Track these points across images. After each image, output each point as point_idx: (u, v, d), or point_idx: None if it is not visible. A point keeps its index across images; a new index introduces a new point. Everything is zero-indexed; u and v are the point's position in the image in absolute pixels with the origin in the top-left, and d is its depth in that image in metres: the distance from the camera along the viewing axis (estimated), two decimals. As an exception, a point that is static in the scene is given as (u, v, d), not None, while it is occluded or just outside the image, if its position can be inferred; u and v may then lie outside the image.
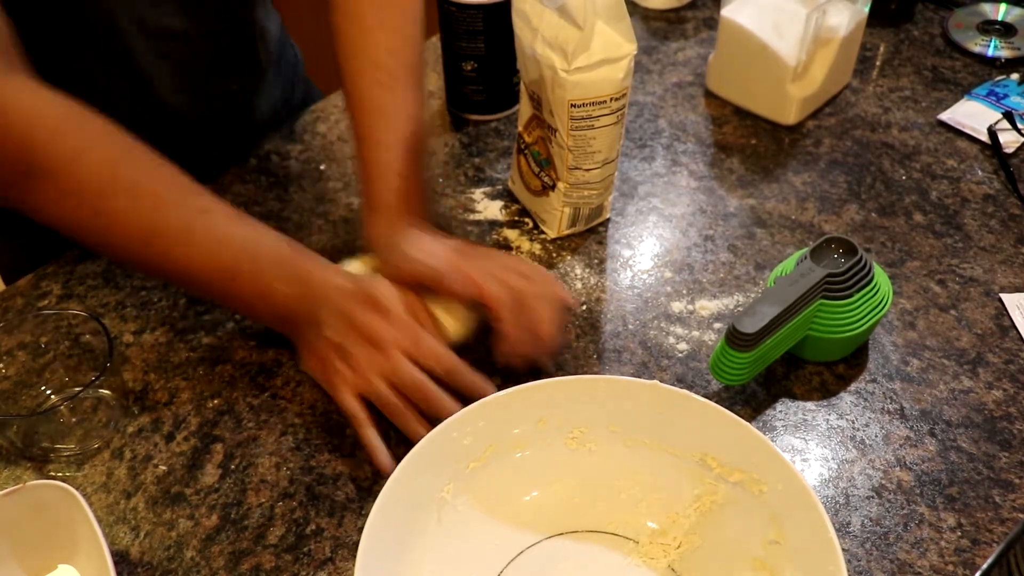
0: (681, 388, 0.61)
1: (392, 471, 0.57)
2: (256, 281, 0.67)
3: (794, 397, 0.71)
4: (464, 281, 0.68)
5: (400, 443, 0.68)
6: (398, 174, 0.73)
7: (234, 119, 0.92)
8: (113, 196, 0.63)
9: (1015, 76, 1.00)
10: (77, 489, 0.57)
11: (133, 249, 0.66)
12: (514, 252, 0.83)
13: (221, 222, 0.67)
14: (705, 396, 0.63)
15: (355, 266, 0.75)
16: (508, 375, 0.72)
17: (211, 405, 0.71)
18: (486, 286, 0.68)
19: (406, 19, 0.78)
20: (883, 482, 0.65)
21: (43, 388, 0.71)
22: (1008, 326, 0.75)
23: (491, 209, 0.87)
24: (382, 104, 0.74)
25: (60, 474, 0.67)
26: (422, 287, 0.70)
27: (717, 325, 0.76)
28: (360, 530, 0.55)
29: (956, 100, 0.97)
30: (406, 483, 0.57)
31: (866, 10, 0.94)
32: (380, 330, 0.66)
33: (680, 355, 0.74)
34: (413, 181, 0.74)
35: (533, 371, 0.71)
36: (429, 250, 0.70)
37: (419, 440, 0.59)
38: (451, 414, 0.60)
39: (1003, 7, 1.08)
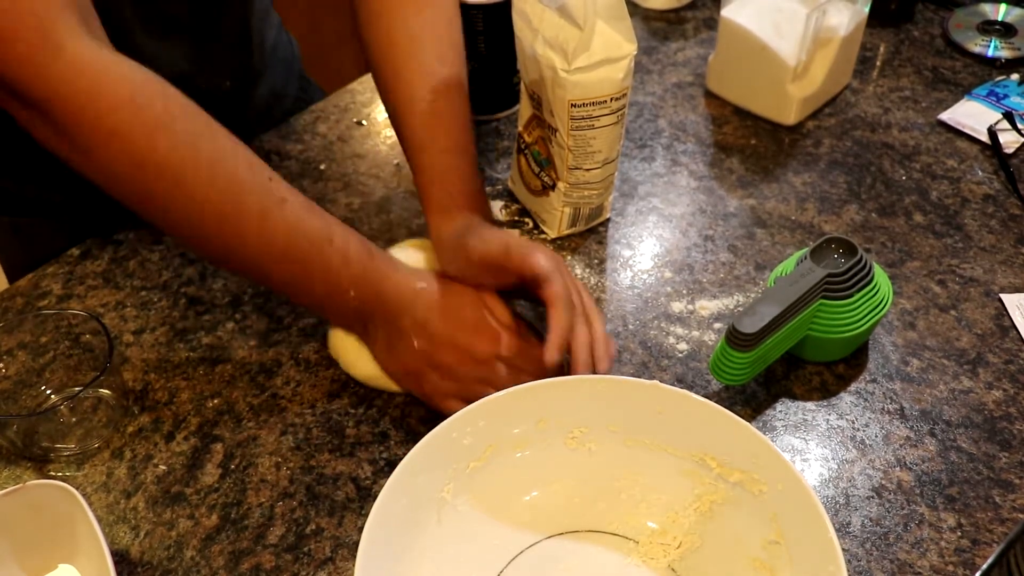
0: (681, 388, 0.61)
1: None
2: (326, 279, 0.66)
3: (794, 397, 0.71)
4: (528, 256, 0.66)
5: (400, 443, 0.68)
6: (461, 178, 0.73)
7: (225, 112, 0.92)
8: (194, 170, 0.62)
9: (1015, 76, 1.00)
10: (77, 489, 0.57)
11: (206, 229, 0.64)
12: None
13: (295, 213, 0.65)
14: (705, 396, 0.63)
15: (405, 253, 0.76)
16: (508, 375, 0.72)
17: (211, 405, 0.71)
18: (550, 273, 0.66)
19: (451, 26, 0.77)
20: (883, 482, 0.65)
21: (43, 388, 0.71)
22: (1008, 326, 0.75)
23: (491, 209, 0.87)
24: (439, 110, 0.74)
25: (60, 474, 0.67)
26: (489, 271, 0.69)
27: (717, 325, 0.76)
28: (360, 530, 0.55)
29: (956, 100, 0.97)
30: (406, 483, 0.57)
31: (866, 10, 0.94)
32: (471, 339, 0.66)
33: (680, 355, 0.74)
34: (473, 184, 0.74)
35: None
36: (497, 233, 0.70)
37: None
38: None
39: (1003, 7, 1.08)
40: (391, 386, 0.71)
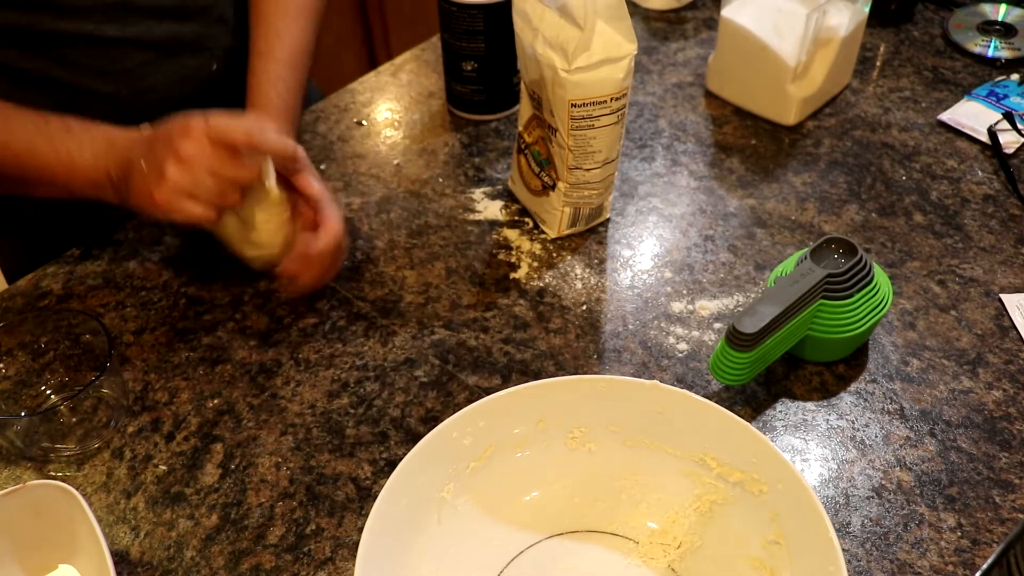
0: (681, 388, 0.61)
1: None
2: (56, 153, 0.71)
3: (794, 397, 0.71)
4: (286, 144, 0.71)
5: (400, 443, 0.68)
6: (284, 84, 0.82)
7: (219, 102, 0.92)
8: None
9: (1015, 76, 1.00)
10: (77, 489, 0.57)
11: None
12: (514, 252, 0.83)
13: (8, 112, 0.72)
14: (705, 396, 0.63)
15: None
16: (508, 375, 0.72)
17: (211, 405, 0.71)
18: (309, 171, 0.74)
19: None
20: (883, 482, 0.65)
21: (43, 388, 0.71)
22: (1008, 326, 0.75)
23: (491, 209, 0.87)
24: (278, 27, 0.84)
25: (60, 474, 0.67)
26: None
27: (717, 325, 0.76)
28: (360, 530, 0.55)
29: (956, 100, 0.97)
30: (406, 483, 0.57)
31: (866, 10, 0.94)
32: (182, 142, 0.67)
33: (680, 355, 0.74)
34: (293, 96, 0.82)
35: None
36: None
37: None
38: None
39: (1003, 7, 1.08)
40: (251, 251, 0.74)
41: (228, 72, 0.91)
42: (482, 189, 0.89)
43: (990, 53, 1.03)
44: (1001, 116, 0.93)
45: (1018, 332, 0.75)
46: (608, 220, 0.86)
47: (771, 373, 0.72)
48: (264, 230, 0.72)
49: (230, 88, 0.91)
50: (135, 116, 0.87)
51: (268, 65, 0.83)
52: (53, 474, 0.67)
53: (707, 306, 0.78)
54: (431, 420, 0.69)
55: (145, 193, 0.69)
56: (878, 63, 1.03)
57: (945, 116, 0.95)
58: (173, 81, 0.86)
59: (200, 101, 0.90)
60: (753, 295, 0.78)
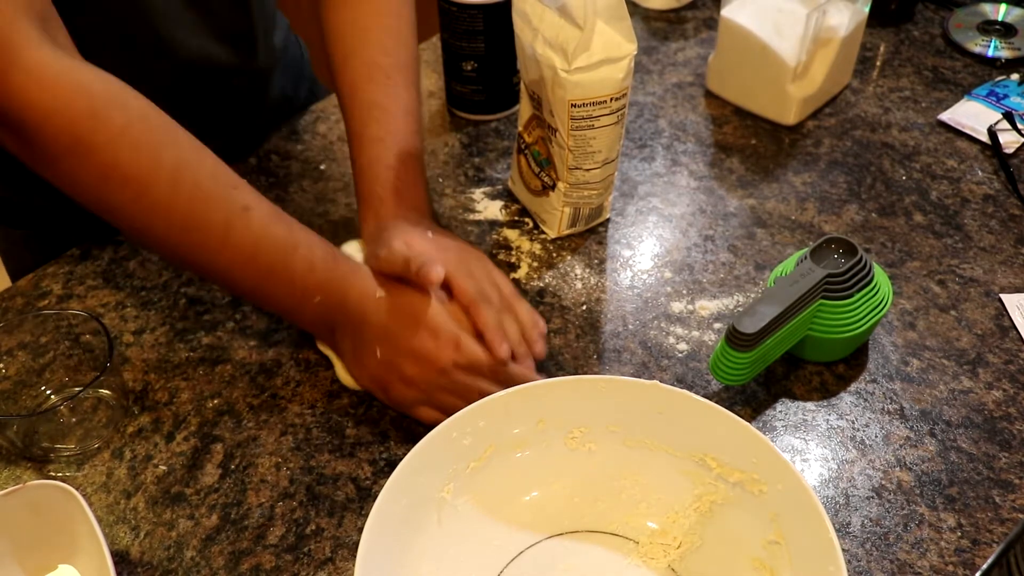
0: (681, 388, 0.61)
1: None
2: (291, 287, 0.66)
3: (794, 397, 0.71)
4: (425, 268, 0.66)
5: (400, 443, 0.68)
6: (388, 167, 0.73)
7: (240, 112, 0.92)
8: (155, 182, 0.62)
9: (1015, 76, 1.00)
10: (77, 489, 0.57)
11: (171, 239, 0.64)
12: (514, 252, 0.83)
13: (260, 221, 0.65)
14: (705, 396, 0.63)
15: (352, 247, 0.77)
16: (508, 375, 0.72)
17: (211, 405, 0.71)
18: (456, 277, 0.68)
19: (401, 21, 0.79)
20: (883, 482, 0.65)
21: (43, 388, 0.71)
22: (1008, 326, 0.75)
23: (491, 209, 0.87)
24: (375, 100, 0.75)
25: (60, 474, 0.67)
26: (398, 278, 0.69)
27: (717, 325, 0.76)
28: (360, 530, 0.55)
29: (956, 100, 0.97)
30: (406, 483, 0.57)
31: (866, 10, 0.94)
32: (428, 347, 0.66)
33: (680, 355, 0.74)
34: (405, 175, 0.74)
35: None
36: (409, 241, 0.70)
37: None
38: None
39: (1003, 7, 1.08)
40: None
41: (250, 86, 0.90)
42: (482, 189, 0.89)
43: (990, 53, 1.03)
44: (1001, 116, 0.93)
45: (1018, 332, 0.75)
46: (608, 220, 0.86)
47: (771, 373, 0.72)
48: None
49: (255, 104, 0.91)
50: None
51: (379, 153, 0.74)
52: (53, 474, 0.67)
53: (707, 306, 0.78)
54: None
55: (376, 383, 0.68)
56: (878, 63, 1.03)
57: (945, 116, 0.95)
58: (205, 95, 0.85)
59: (220, 109, 0.89)
60: (753, 295, 0.78)
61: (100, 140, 0.60)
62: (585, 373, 0.72)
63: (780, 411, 0.70)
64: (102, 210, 0.63)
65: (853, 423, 0.69)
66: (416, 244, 0.70)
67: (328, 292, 0.67)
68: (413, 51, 0.79)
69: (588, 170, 0.78)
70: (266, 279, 0.66)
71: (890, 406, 0.70)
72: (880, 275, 0.71)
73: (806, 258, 0.68)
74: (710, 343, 0.75)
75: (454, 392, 0.66)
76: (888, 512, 0.63)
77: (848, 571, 0.53)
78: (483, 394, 0.62)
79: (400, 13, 0.79)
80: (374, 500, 0.55)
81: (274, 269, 0.65)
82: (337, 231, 0.84)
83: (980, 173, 0.89)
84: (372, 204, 0.74)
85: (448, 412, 0.62)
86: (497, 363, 0.66)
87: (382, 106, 0.75)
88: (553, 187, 0.80)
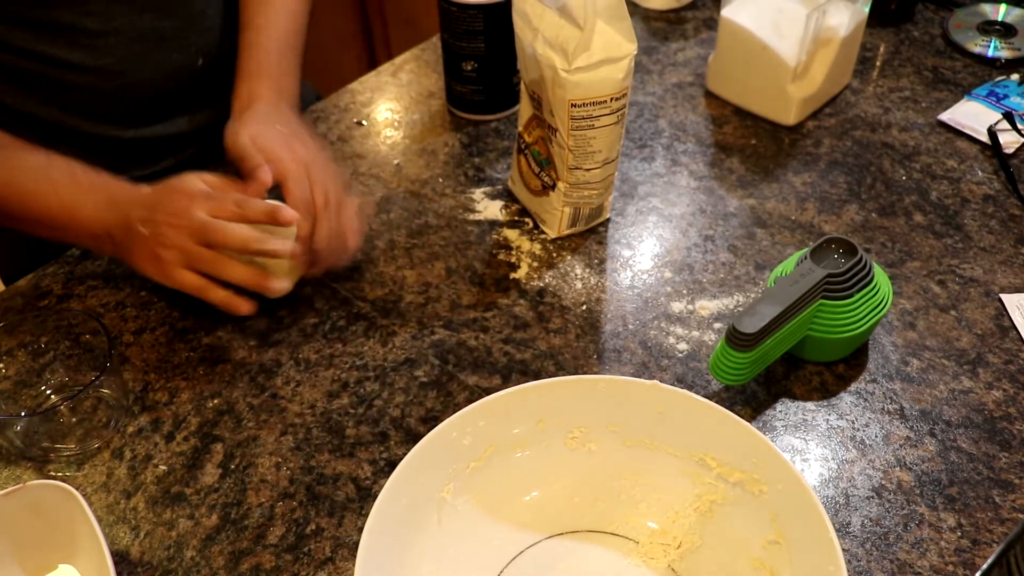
0: (681, 388, 0.61)
1: (252, 310, 0.72)
2: (59, 201, 0.72)
3: (794, 397, 0.71)
4: (262, 171, 0.73)
5: (400, 443, 0.68)
6: (265, 52, 0.83)
7: (207, 96, 0.93)
8: None
9: (1015, 76, 1.00)
10: (77, 489, 0.57)
11: None
12: (514, 252, 0.83)
13: (16, 154, 0.73)
14: (705, 396, 0.63)
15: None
16: (508, 375, 0.72)
17: (211, 405, 0.71)
18: (288, 182, 0.73)
19: None
20: (883, 482, 0.65)
21: (43, 388, 0.71)
22: (1008, 326, 0.75)
23: (491, 209, 0.87)
24: (271, 9, 0.85)
25: (60, 474, 0.67)
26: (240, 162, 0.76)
27: (717, 325, 0.76)
28: (360, 530, 0.55)
29: (956, 100, 0.97)
30: (406, 483, 0.57)
31: (866, 10, 0.94)
32: (181, 204, 0.70)
33: (680, 355, 0.74)
34: (279, 61, 0.83)
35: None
36: (256, 135, 0.76)
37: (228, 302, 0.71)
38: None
39: (1003, 7, 1.08)
40: None
41: (214, 69, 0.91)
42: (482, 189, 0.89)
43: (990, 53, 1.03)
44: (1001, 116, 0.93)
45: (1018, 332, 0.75)
46: (608, 220, 0.86)
47: (771, 373, 0.72)
48: (277, 265, 0.73)
49: (216, 85, 0.91)
50: (122, 112, 0.88)
51: (259, 38, 0.84)
52: (53, 474, 0.67)
53: (707, 306, 0.78)
54: (431, 420, 0.69)
55: (143, 258, 0.71)
56: (878, 63, 1.03)
57: (945, 116, 0.95)
58: (157, 76, 0.87)
59: (185, 97, 0.91)
60: (753, 295, 0.78)
61: None
62: (585, 373, 0.72)
63: (780, 411, 0.70)
64: None
65: (853, 423, 0.69)
66: (262, 138, 0.75)
67: (96, 195, 0.72)
68: None
69: (588, 170, 0.78)
70: (33, 201, 0.73)
71: (890, 406, 0.70)
72: (880, 275, 0.71)
73: (806, 258, 0.68)
74: (710, 343, 0.75)
75: (204, 239, 0.69)
76: (888, 512, 0.63)
77: (848, 571, 0.53)
78: (239, 235, 0.69)
79: None
80: (374, 500, 0.55)
81: (39, 189, 0.72)
82: (337, 231, 0.85)
83: (980, 173, 0.89)
84: (244, 80, 0.82)
85: (201, 262, 0.69)
86: (243, 201, 0.70)
87: (274, 3, 0.86)
88: (553, 187, 0.80)
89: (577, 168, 0.77)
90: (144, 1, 0.82)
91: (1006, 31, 1.05)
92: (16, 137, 0.75)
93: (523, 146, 0.83)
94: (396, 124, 0.97)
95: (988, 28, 1.05)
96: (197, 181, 0.72)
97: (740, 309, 0.77)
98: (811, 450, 0.67)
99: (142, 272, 0.73)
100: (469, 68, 0.92)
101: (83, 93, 0.83)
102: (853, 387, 0.71)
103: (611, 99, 0.73)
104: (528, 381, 0.62)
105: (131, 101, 0.86)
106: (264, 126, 0.77)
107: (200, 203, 0.70)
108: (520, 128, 0.82)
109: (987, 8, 1.08)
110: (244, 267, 0.71)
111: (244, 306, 0.72)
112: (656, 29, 1.09)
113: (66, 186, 0.73)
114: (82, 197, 0.72)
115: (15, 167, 0.73)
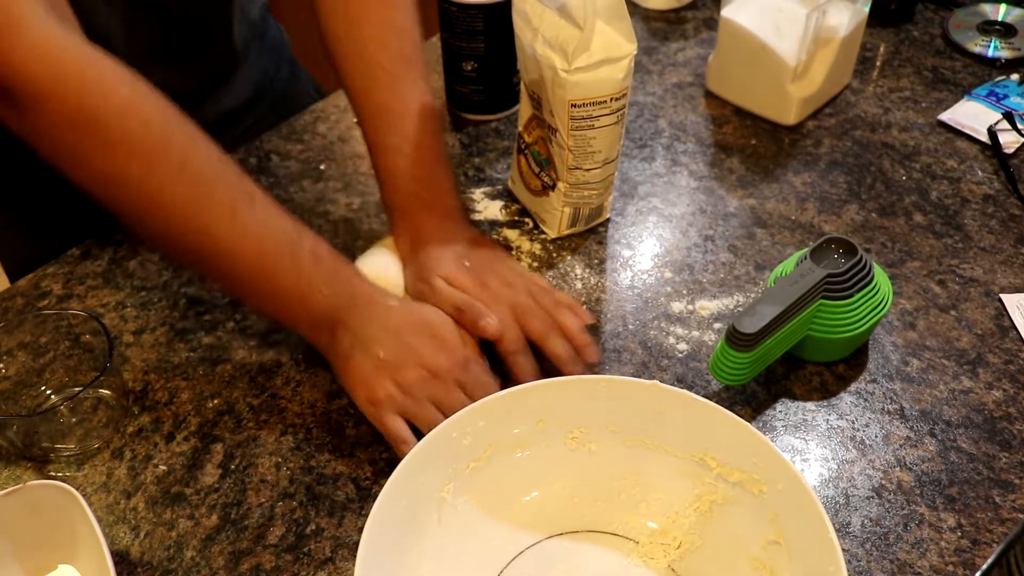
0: (681, 388, 0.61)
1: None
2: (298, 278, 0.64)
3: (794, 397, 0.71)
4: (478, 320, 0.68)
5: (400, 443, 0.68)
6: (411, 179, 0.73)
7: (205, 99, 0.91)
8: (165, 157, 0.60)
9: (1015, 76, 0.99)
10: (77, 489, 0.57)
11: (175, 220, 0.62)
12: (514, 252, 0.83)
13: (266, 209, 0.64)
14: (705, 396, 0.63)
15: (378, 254, 0.76)
16: (507, 376, 0.72)
17: (211, 405, 0.71)
18: (504, 333, 0.68)
19: (396, 11, 0.75)
20: (883, 482, 0.65)
21: (43, 388, 0.71)
22: (1008, 326, 0.75)
23: (491, 209, 0.87)
24: (384, 104, 0.73)
25: (60, 474, 0.67)
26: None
27: (717, 325, 0.76)
28: (360, 530, 0.55)
29: (956, 100, 0.97)
30: (406, 483, 0.57)
31: (866, 10, 0.94)
32: (438, 358, 0.66)
33: (680, 355, 0.74)
34: (429, 183, 0.74)
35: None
36: (449, 277, 0.70)
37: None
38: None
39: (1003, 7, 1.08)
40: None
41: (216, 70, 0.90)
42: (482, 189, 0.89)
43: (990, 53, 1.03)
44: (1001, 116, 0.93)
45: (1018, 332, 0.75)
46: (608, 220, 0.86)
47: (771, 373, 0.72)
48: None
49: (217, 85, 0.90)
50: None
51: (398, 162, 0.73)
52: (53, 474, 0.67)
53: (707, 306, 0.78)
54: (431, 420, 0.69)
55: (357, 382, 0.66)
56: (878, 63, 1.03)
57: (945, 116, 0.95)
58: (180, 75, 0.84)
59: (206, 97, 0.89)
60: (753, 295, 0.78)
61: (109, 113, 0.59)
62: (585, 373, 0.72)
63: (780, 411, 0.70)
64: (104, 186, 0.61)
65: (853, 423, 0.69)
66: (457, 281, 0.70)
67: (337, 283, 0.66)
68: (413, 40, 0.75)
69: (588, 170, 0.78)
70: (271, 267, 0.64)
71: (890, 406, 0.70)
72: (880, 275, 0.71)
73: (806, 258, 0.68)
74: (710, 343, 0.75)
75: (443, 407, 0.65)
76: (888, 512, 0.63)
77: (848, 571, 0.53)
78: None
79: (394, 3, 0.75)
80: (374, 500, 0.55)
81: (280, 257, 0.64)
82: (337, 231, 0.85)
83: (980, 173, 0.89)
84: (402, 220, 0.74)
85: (424, 424, 0.63)
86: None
87: (393, 110, 0.72)
88: (553, 187, 0.80)
89: (577, 168, 0.77)
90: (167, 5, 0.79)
91: (1006, 31, 1.05)
92: (265, 189, 0.66)
93: (523, 146, 0.83)
94: (396, 124, 0.97)
95: (988, 28, 1.05)
96: (450, 327, 0.67)
97: (740, 309, 0.77)
98: (811, 450, 0.67)
99: (347, 389, 0.68)
100: (469, 68, 0.92)
101: None
102: (853, 387, 0.71)
103: (611, 99, 0.73)
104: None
105: None
106: (451, 265, 0.71)
107: (455, 369, 0.65)
108: (520, 128, 0.82)
109: (987, 8, 1.08)
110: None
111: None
112: (656, 29, 1.09)
113: (310, 266, 0.65)
114: (321, 286, 0.65)
115: (266, 225, 0.64)
